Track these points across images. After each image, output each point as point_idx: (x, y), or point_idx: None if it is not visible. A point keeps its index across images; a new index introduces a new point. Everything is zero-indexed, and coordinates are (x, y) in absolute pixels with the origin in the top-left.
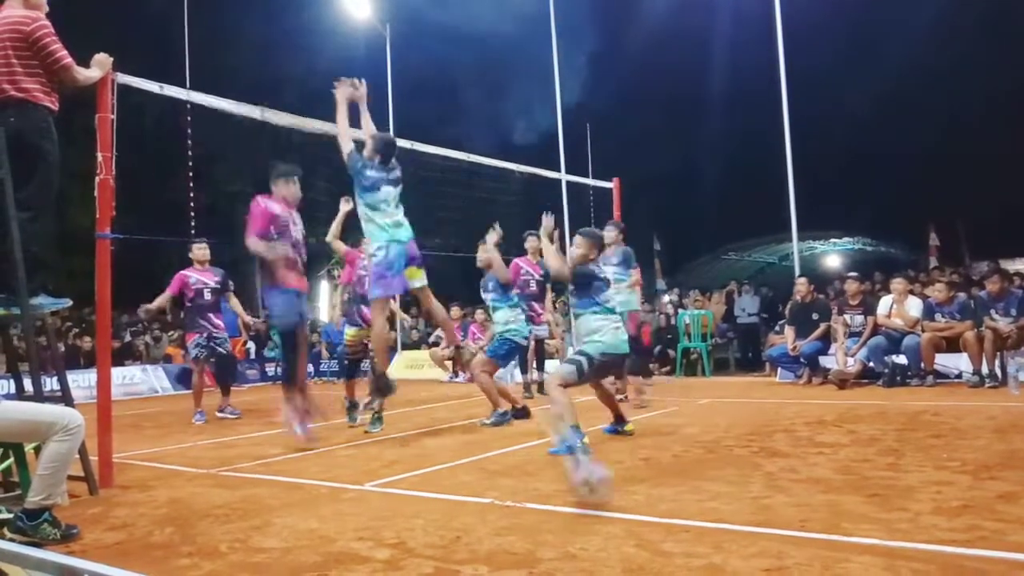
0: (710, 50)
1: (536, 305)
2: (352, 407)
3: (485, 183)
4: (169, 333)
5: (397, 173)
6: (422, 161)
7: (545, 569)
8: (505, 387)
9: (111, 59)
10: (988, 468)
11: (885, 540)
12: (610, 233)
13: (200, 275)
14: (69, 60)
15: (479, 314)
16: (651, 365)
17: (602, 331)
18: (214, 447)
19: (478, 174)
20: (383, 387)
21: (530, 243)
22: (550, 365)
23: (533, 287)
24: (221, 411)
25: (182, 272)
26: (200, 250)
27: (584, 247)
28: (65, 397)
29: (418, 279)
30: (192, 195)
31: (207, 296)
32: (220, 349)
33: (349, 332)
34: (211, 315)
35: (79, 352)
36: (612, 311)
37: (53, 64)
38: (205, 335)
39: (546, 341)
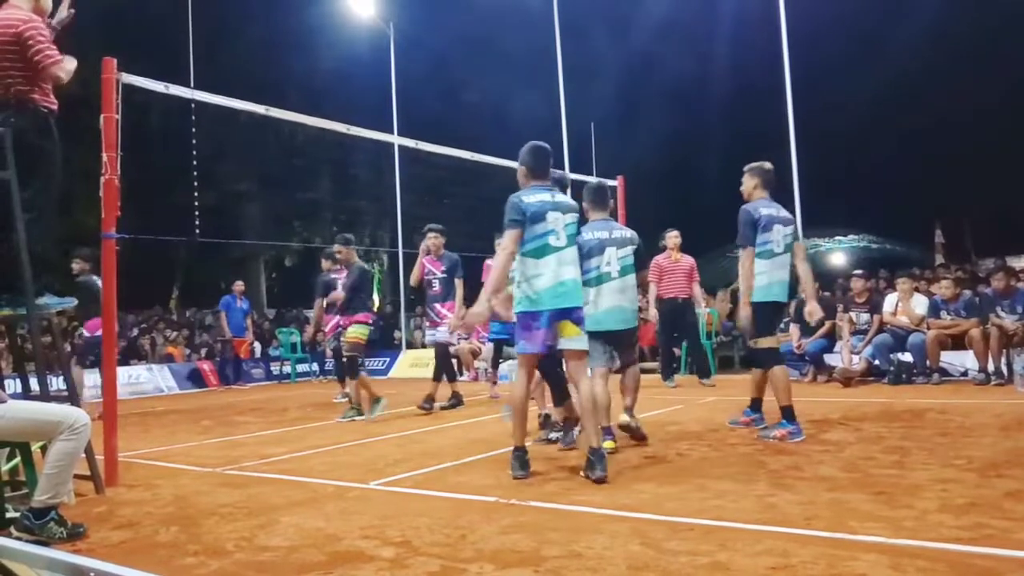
0: (715, 47)
1: (438, 307)
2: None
3: (489, 182)
4: (182, 331)
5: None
6: (426, 161)
7: (550, 567)
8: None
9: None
10: (995, 466)
11: (891, 538)
12: None
13: None
14: (56, 58)
15: None
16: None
17: None
18: (219, 446)
19: (482, 173)
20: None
21: (432, 240)
22: None
23: (436, 287)
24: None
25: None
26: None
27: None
28: (71, 396)
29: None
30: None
31: None
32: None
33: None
34: None
35: None
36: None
37: (39, 62)
38: None
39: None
